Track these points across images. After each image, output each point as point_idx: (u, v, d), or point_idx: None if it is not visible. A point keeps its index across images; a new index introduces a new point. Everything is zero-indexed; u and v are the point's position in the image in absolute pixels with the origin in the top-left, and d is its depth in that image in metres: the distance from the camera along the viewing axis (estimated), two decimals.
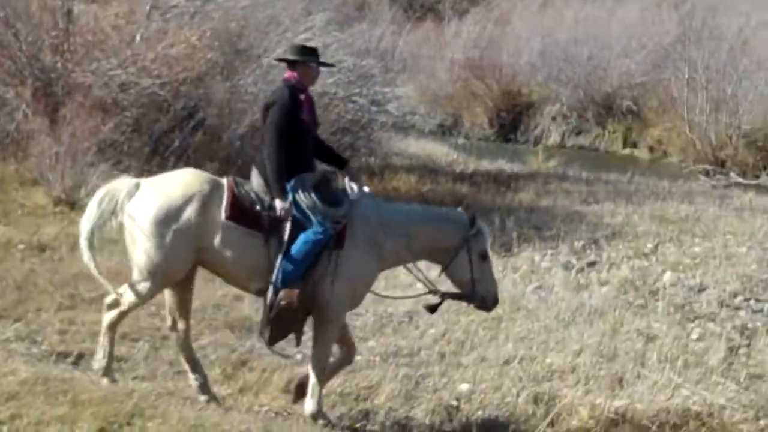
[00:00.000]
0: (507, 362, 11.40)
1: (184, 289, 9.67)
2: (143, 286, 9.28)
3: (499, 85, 41.41)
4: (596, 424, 10.28)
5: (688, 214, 23.47)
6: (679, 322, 14.48)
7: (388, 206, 10.31)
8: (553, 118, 40.26)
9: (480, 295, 9.82)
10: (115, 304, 9.39)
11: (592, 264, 17.73)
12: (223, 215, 9.14)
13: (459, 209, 10.04)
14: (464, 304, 10.51)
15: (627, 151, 38.72)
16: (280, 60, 10.36)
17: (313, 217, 9.21)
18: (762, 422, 10.94)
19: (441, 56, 43.90)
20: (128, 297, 9.34)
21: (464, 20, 47.48)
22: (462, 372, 11.53)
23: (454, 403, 10.42)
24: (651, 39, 40.58)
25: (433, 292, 9.96)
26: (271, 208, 9.21)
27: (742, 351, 13.45)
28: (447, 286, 9.97)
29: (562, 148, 38.10)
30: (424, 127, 37.58)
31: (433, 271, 10.12)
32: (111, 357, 9.46)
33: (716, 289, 16.60)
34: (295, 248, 9.19)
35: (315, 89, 20.90)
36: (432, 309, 10.13)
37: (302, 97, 9.54)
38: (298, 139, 9.42)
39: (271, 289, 9.22)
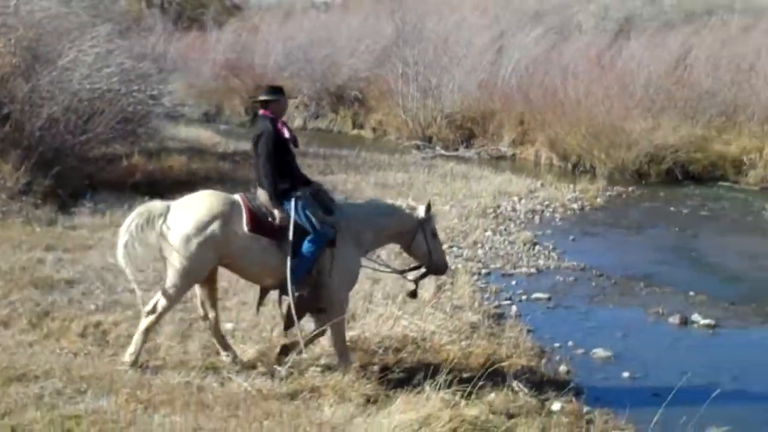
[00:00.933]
0: (263, 305, 11.46)
1: (211, 286, 10.03)
2: (174, 290, 9.53)
3: (253, 80, 41.05)
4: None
5: (404, 181, 23.85)
6: (399, 266, 14.71)
7: (359, 206, 11.37)
8: (297, 107, 40.15)
9: (435, 263, 10.70)
10: (153, 311, 9.60)
11: None
12: (245, 228, 9.52)
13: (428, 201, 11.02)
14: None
15: (355, 131, 39.00)
16: (256, 101, 10.46)
17: (316, 224, 9.69)
18: (463, 343, 11.29)
19: (205, 59, 43.45)
20: (162, 302, 9.57)
21: (223, 29, 47.06)
22: (227, 313, 11.58)
23: None
24: (372, 41, 40.94)
25: (403, 273, 11.15)
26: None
27: (447, 287, 13.83)
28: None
29: (304, 130, 38.09)
30: (192, 115, 37.37)
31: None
32: (139, 353, 9.63)
33: None
34: (304, 249, 9.68)
35: (101, 87, 20.56)
36: (413, 294, 10.95)
37: (279, 124, 9.91)
38: (287, 158, 9.91)
39: (289, 285, 9.59)
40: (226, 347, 10.14)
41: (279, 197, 9.70)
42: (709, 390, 10.09)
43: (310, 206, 9.77)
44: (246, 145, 29.08)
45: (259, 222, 9.60)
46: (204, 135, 32.25)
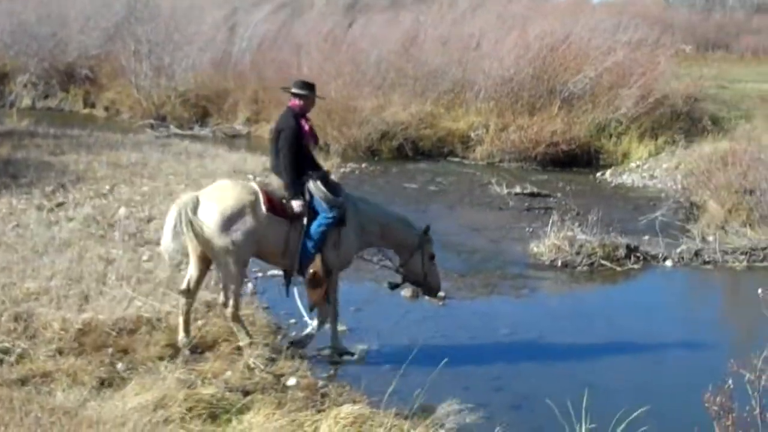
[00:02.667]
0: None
1: (205, 267, 10.76)
2: (234, 274, 10.46)
3: None
4: (67, 333, 10.24)
5: (138, 160, 23.36)
6: (132, 247, 14.56)
7: (374, 204, 12.00)
8: (25, 86, 38.65)
9: (429, 284, 11.77)
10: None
11: (60, 204, 17.36)
12: (263, 208, 10.42)
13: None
14: None
15: (87, 110, 37.97)
16: (286, 90, 11.34)
17: (324, 205, 10.66)
18: (199, 322, 11.32)
19: None
20: (229, 285, 10.49)
21: None
22: None
23: None
24: (103, 18, 40.00)
25: (398, 272, 11.74)
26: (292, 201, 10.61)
27: (182, 267, 13.60)
28: None
29: (33, 109, 36.76)
30: None
31: None
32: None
33: (161, 219, 16.74)
34: (313, 229, 10.67)
35: None
36: (393, 286, 11.93)
37: (303, 120, 10.86)
38: (304, 151, 10.86)
39: (297, 264, 10.83)
40: (188, 331, 10.63)
41: (297, 189, 10.64)
42: (441, 359, 10.48)
43: (318, 187, 10.71)
44: None
45: (273, 203, 10.52)
46: None
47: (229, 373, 9.79)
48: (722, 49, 48.26)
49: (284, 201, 10.59)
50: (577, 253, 16.41)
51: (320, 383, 10.18)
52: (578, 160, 27.80)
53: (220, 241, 10.18)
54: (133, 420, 8.18)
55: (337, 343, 11.29)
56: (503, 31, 32.47)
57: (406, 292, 13.85)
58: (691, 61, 38.25)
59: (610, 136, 28.38)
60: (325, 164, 24.46)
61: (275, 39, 35.69)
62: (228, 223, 10.19)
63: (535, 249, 16.88)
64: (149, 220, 16.74)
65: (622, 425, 8.15)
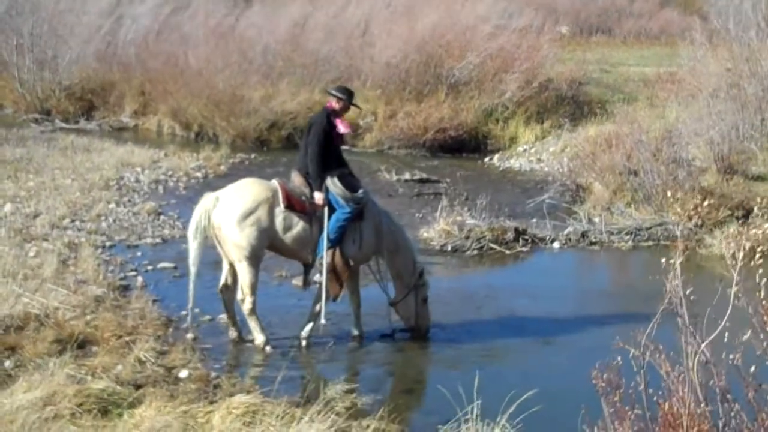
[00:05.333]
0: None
1: None
2: (250, 271, 11.06)
3: None
4: None
5: (23, 155, 22.92)
6: (18, 243, 14.32)
7: (385, 214, 12.19)
8: None
9: (420, 327, 11.98)
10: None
11: None
12: (282, 205, 11.08)
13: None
14: None
15: None
16: (328, 92, 12.40)
17: (341, 201, 11.25)
18: (88, 317, 11.17)
19: None
20: (245, 282, 11.09)
21: None
22: None
23: None
24: None
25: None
26: (311, 197, 11.25)
27: (70, 262, 13.59)
28: None
29: None
30: None
31: None
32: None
33: (48, 214, 16.56)
34: (331, 225, 11.24)
35: None
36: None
37: (336, 120, 11.62)
38: (332, 148, 11.55)
39: (318, 257, 11.33)
40: (234, 324, 11.58)
41: (321, 180, 11.27)
42: (332, 347, 10.63)
43: (335, 184, 11.30)
44: None
45: (292, 200, 11.16)
46: None
47: (119, 367, 9.72)
48: (605, 34, 49.02)
49: (304, 198, 11.24)
50: (467, 238, 16.63)
51: (212, 374, 10.20)
52: (466, 145, 28.06)
53: (234, 237, 10.88)
54: (22, 417, 8.06)
55: (360, 330, 12.04)
56: (390, 18, 32.57)
57: (296, 281, 13.83)
58: (574, 46, 38.93)
59: (497, 121, 28.70)
60: (214, 155, 24.57)
61: (162, 30, 35.24)
62: (242, 219, 10.88)
63: (425, 234, 17.06)
64: (35, 215, 16.48)
65: (513, 406, 8.29)
